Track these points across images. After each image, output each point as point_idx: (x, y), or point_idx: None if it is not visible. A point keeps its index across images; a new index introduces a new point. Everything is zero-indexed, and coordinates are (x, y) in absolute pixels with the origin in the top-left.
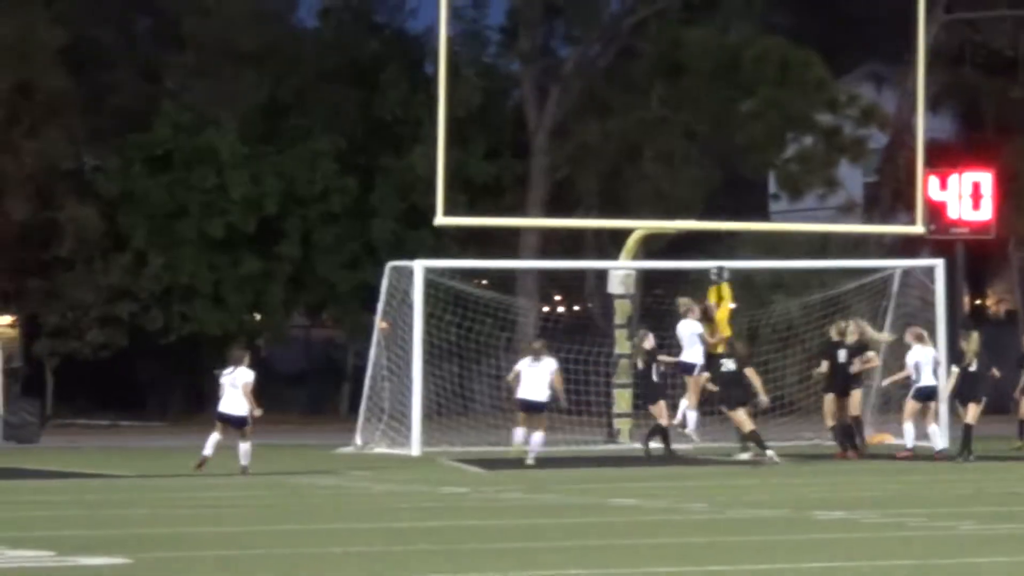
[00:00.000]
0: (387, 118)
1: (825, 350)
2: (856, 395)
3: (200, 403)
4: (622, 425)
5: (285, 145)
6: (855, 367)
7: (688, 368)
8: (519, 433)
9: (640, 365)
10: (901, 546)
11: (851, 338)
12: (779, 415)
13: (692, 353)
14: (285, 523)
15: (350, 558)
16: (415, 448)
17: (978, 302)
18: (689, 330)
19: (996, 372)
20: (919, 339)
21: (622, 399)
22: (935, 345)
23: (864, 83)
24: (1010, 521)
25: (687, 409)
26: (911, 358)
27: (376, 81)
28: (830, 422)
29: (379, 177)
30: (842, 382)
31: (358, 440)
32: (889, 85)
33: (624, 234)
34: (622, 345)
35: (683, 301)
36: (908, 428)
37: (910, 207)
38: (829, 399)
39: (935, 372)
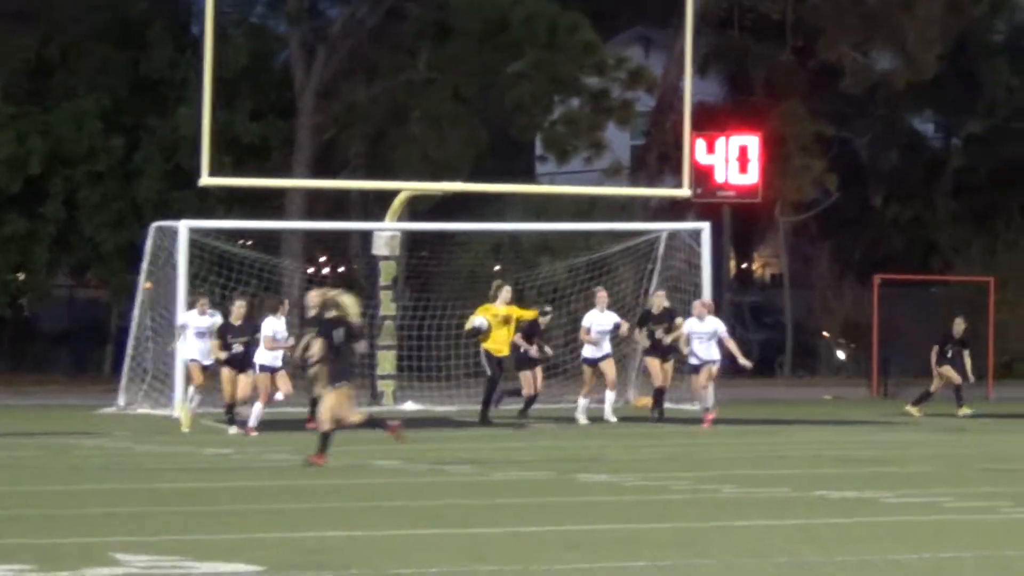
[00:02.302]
0: (153, 77)
1: (642, 319)
2: (668, 365)
3: None
4: (386, 387)
5: (51, 104)
6: (667, 337)
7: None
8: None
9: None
10: (661, 509)
11: (657, 308)
12: (545, 377)
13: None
14: (47, 484)
15: (110, 519)
16: (178, 409)
17: (744, 266)
18: (603, 320)
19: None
20: (705, 311)
21: (386, 361)
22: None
23: (632, 46)
24: (770, 485)
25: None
26: (688, 327)
27: (143, 40)
28: (657, 383)
29: (145, 137)
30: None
31: (121, 401)
32: (657, 48)
33: (390, 196)
34: (386, 307)
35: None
36: (708, 392)
37: (677, 170)
38: (655, 363)
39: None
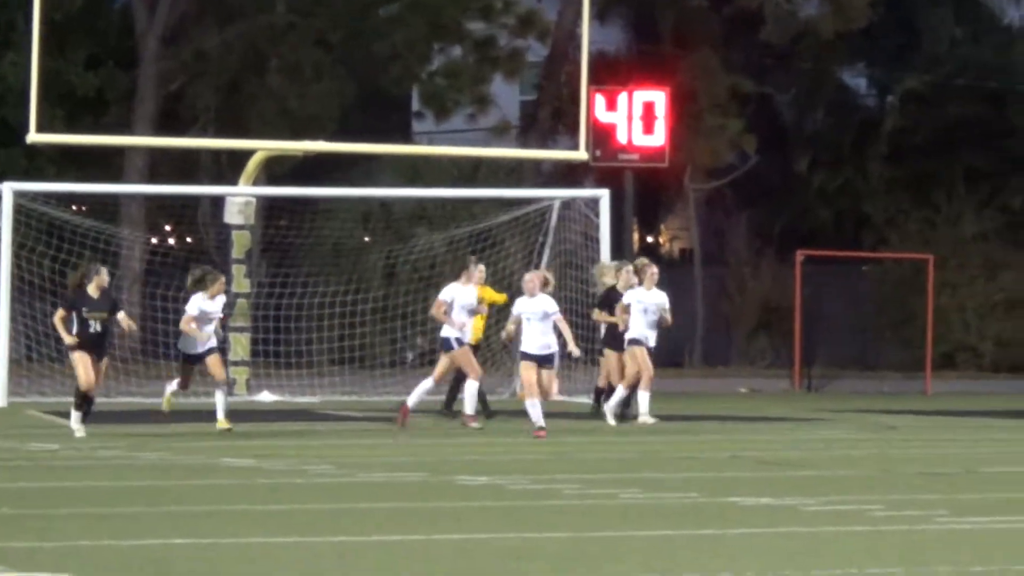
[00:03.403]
0: None
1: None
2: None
3: None
4: (238, 375)
5: None
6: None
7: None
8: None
9: None
10: (551, 517)
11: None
12: (419, 365)
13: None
14: None
15: None
16: (0, 398)
17: (649, 239)
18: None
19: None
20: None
21: (239, 345)
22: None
23: None
24: (676, 490)
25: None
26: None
27: None
28: (616, 381)
29: None
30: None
31: None
32: None
33: (245, 156)
34: (239, 283)
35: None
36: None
37: (573, 130)
38: (613, 356)
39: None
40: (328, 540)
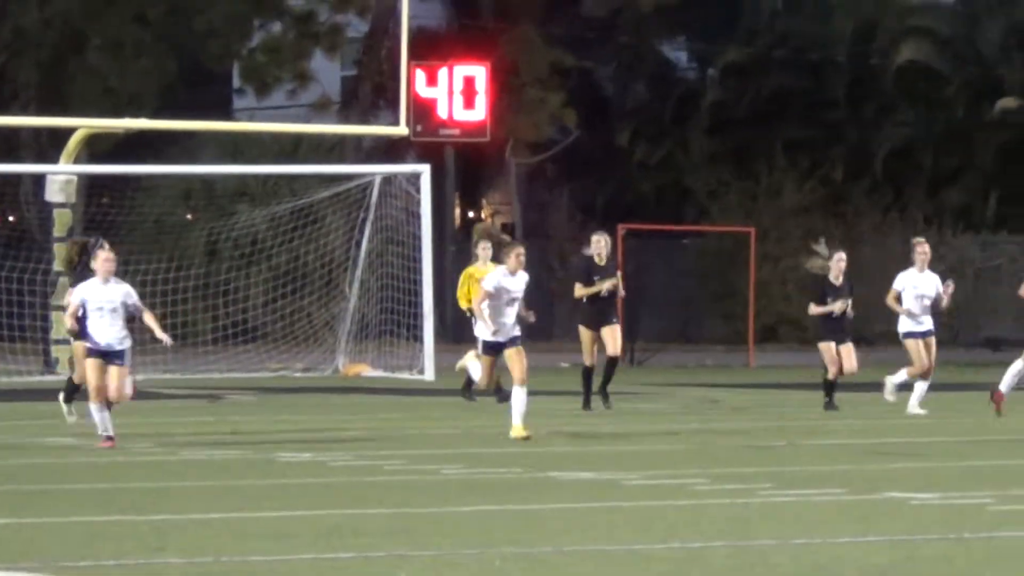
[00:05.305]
0: None
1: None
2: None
3: None
4: (60, 354)
5: None
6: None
7: None
8: None
9: None
10: (373, 493)
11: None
12: (242, 342)
13: None
14: None
15: None
16: None
17: (471, 214)
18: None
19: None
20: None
21: (60, 323)
22: (421, 264)
23: None
24: (497, 465)
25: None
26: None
27: None
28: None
29: None
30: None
31: None
32: None
33: (66, 134)
34: (60, 261)
35: None
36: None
37: (394, 105)
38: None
39: None
40: (148, 519)
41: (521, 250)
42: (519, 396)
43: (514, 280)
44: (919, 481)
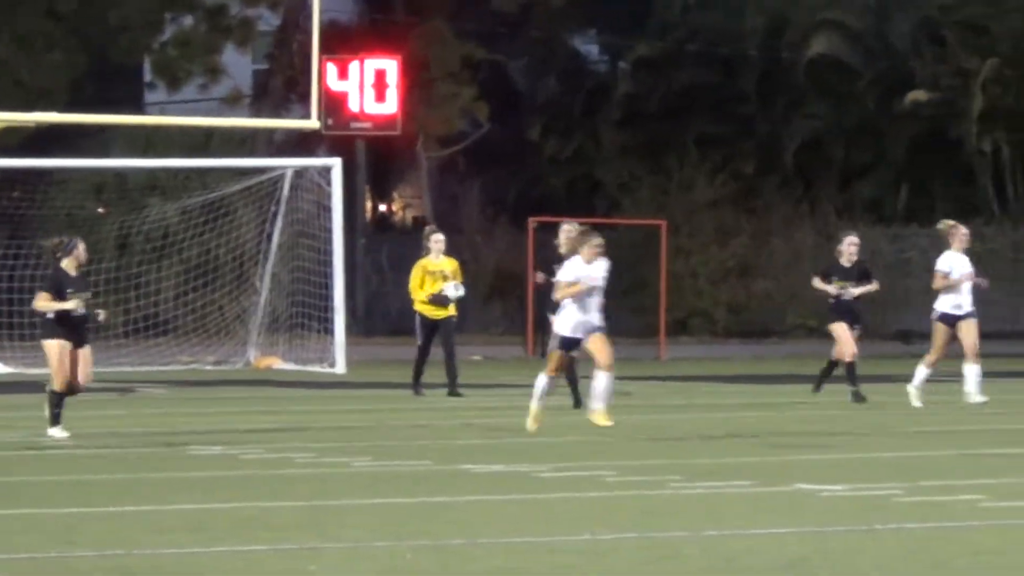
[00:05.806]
0: None
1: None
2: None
3: None
4: None
5: None
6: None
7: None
8: None
9: None
10: (283, 485)
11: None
12: (153, 335)
13: None
14: None
15: None
16: None
17: (382, 208)
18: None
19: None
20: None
21: None
22: (331, 257)
23: None
24: (408, 457)
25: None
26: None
27: None
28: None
29: None
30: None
31: None
32: None
33: None
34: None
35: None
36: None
37: (305, 99)
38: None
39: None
40: (58, 511)
41: (600, 240)
42: (603, 381)
43: (592, 269)
44: (828, 473)
